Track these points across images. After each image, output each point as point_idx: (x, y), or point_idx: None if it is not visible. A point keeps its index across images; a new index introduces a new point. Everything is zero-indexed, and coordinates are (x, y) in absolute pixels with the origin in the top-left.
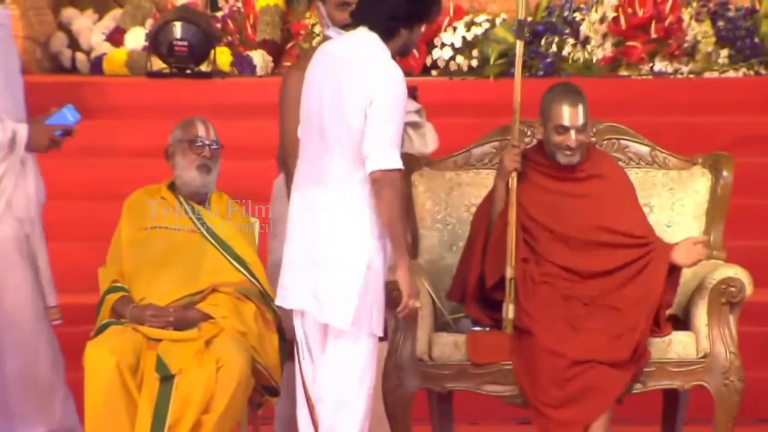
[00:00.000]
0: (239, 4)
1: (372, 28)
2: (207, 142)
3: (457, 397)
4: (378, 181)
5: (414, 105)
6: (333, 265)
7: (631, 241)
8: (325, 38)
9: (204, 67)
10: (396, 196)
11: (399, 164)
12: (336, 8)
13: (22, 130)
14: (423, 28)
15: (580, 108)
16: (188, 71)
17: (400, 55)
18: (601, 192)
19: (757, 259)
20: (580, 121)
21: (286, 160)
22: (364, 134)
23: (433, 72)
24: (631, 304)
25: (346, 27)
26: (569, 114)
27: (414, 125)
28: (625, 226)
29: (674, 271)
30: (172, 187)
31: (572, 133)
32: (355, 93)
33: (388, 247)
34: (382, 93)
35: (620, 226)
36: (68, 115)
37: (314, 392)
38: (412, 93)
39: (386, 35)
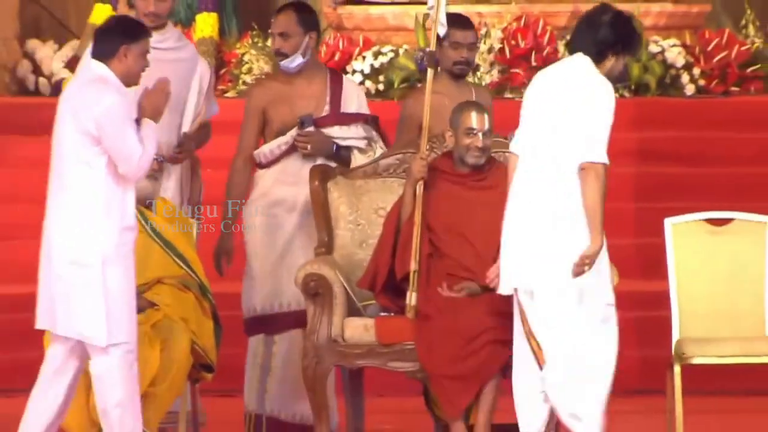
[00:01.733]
0: None
1: (585, 53)
2: (155, 156)
3: (366, 372)
4: (585, 169)
5: (361, 132)
6: None
7: None
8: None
9: None
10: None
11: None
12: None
13: None
14: (626, 59)
15: (486, 116)
16: None
17: (609, 80)
18: (496, 201)
19: (621, 255)
20: (486, 126)
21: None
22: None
23: None
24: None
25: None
26: (477, 119)
27: (361, 150)
28: None
29: None
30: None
31: (480, 135)
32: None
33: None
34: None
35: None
36: None
37: None
38: (375, 121)
39: (596, 59)
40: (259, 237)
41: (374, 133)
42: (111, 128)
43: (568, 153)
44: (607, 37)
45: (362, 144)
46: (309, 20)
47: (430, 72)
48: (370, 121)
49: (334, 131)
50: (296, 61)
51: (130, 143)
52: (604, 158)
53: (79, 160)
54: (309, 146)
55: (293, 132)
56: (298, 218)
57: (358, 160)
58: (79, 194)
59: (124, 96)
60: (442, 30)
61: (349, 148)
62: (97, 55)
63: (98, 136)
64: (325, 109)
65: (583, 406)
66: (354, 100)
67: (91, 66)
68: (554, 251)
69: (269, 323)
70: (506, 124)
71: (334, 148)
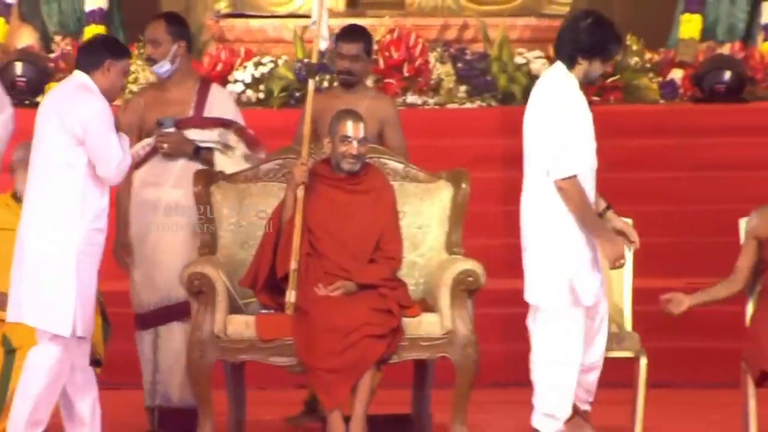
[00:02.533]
0: (69, 47)
1: (561, 59)
2: None
3: (248, 366)
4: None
5: (215, 136)
6: None
7: (383, 254)
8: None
9: (40, 99)
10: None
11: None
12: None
13: None
14: (601, 64)
15: (361, 125)
16: (27, 102)
17: (586, 82)
18: (371, 204)
19: (489, 255)
20: (361, 134)
21: None
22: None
23: None
24: (389, 291)
25: (147, 60)
26: (352, 127)
27: (223, 152)
28: (383, 240)
29: None
30: (14, 196)
31: (354, 143)
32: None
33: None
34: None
35: (379, 238)
36: None
37: None
38: (238, 127)
39: (569, 64)
40: (134, 236)
41: (232, 137)
42: (97, 131)
43: (539, 168)
44: (581, 42)
45: (219, 146)
46: (178, 30)
47: (310, 83)
48: (230, 126)
49: (192, 133)
50: (164, 67)
51: (113, 147)
52: (563, 172)
53: (60, 161)
54: (166, 146)
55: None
56: (163, 218)
57: (219, 162)
58: (57, 193)
59: (107, 104)
60: (323, 44)
61: (210, 150)
62: (81, 66)
63: (83, 138)
64: (190, 114)
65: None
66: (220, 106)
67: (75, 75)
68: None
69: (157, 317)
70: None
71: (194, 149)
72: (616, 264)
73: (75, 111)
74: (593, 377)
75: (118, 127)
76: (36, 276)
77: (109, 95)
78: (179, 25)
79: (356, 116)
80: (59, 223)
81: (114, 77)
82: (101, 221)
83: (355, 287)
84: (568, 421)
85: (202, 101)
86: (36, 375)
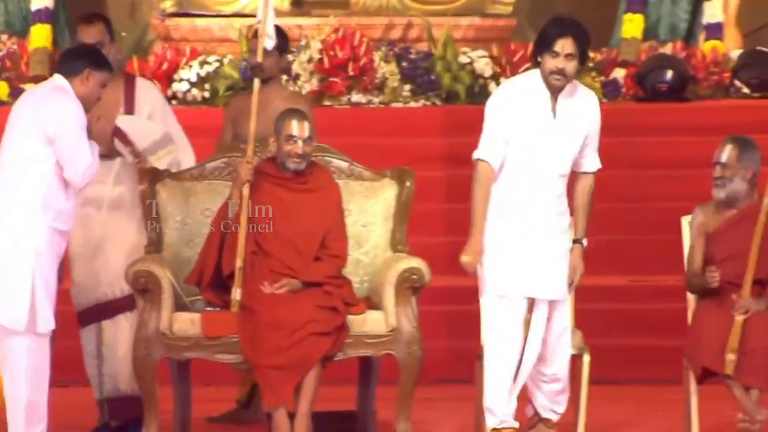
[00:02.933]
0: (15, 46)
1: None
2: None
3: (193, 363)
4: None
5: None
6: None
7: (328, 252)
8: None
9: None
10: None
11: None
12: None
13: None
14: (550, 58)
15: (306, 124)
16: None
17: (551, 81)
18: (316, 202)
19: (433, 253)
20: (306, 133)
21: None
22: None
23: (174, 102)
24: (334, 289)
25: None
26: (297, 127)
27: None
28: (328, 238)
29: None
30: None
31: (299, 142)
32: None
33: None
34: None
35: (324, 236)
36: None
37: None
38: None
39: (536, 64)
40: (75, 234)
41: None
42: (68, 133)
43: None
44: (535, 41)
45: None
46: (112, 30)
47: (256, 81)
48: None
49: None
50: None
51: (82, 151)
52: (476, 153)
53: (28, 157)
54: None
55: None
56: (106, 214)
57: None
58: (22, 188)
59: (82, 109)
60: (270, 42)
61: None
62: (61, 71)
63: (53, 138)
64: (121, 111)
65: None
66: (148, 99)
67: (55, 78)
68: None
69: (100, 312)
70: (326, 128)
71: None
72: (463, 264)
73: (50, 110)
74: (555, 388)
75: (90, 135)
76: None
77: (86, 103)
78: (110, 24)
79: (301, 115)
80: (21, 218)
81: (92, 86)
82: (64, 223)
83: (300, 285)
84: (532, 426)
85: (130, 97)
86: (16, 376)
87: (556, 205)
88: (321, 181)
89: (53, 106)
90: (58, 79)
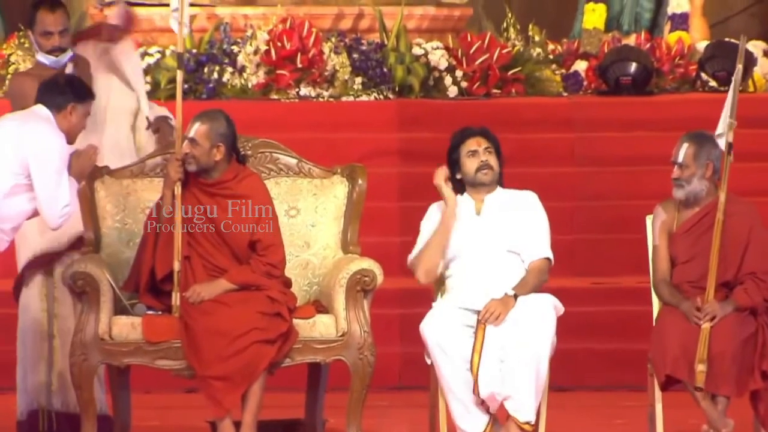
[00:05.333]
0: None
1: None
2: None
3: (133, 370)
4: None
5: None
6: None
7: (263, 260)
8: (38, 63)
9: None
10: None
11: None
12: (41, 37)
13: None
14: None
15: (194, 124)
16: None
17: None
18: (241, 209)
19: (386, 253)
20: (190, 133)
21: None
22: None
23: None
24: (279, 295)
25: (51, 52)
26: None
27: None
28: (259, 247)
29: None
30: None
31: (186, 142)
32: None
33: None
34: None
35: (255, 244)
36: None
37: None
38: None
39: None
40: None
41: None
42: (48, 169)
43: None
44: None
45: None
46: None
47: (179, 73)
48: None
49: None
50: (68, 55)
51: (62, 190)
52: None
53: (10, 171)
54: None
55: None
56: None
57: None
58: None
59: (65, 145)
60: (186, 31)
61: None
62: (44, 103)
63: (31, 170)
64: None
65: None
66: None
67: (38, 109)
68: None
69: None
70: (273, 123)
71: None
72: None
73: (30, 141)
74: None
75: (70, 170)
76: None
77: (69, 137)
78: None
79: (197, 117)
80: None
81: (75, 120)
82: (5, 239)
83: (223, 288)
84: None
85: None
86: None
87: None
88: (245, 190)
89: (34, 138)
90: (41, 110)
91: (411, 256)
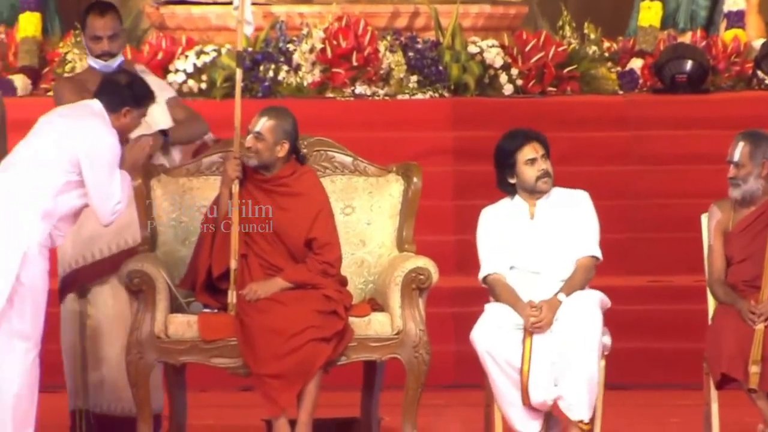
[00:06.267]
0: (2, 35)
1: None
2: None
3: (189, 368)
4: None
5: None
6: None
7: (319, 258)
8: (88, 67)
9: None
10: None
11: None
12: (91, 41)
13: None
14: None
15: (259, 120)
16: None
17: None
18: (298, 207)
19: (441, 252)
20: (256, 127)
21: None
22: None
23: None
24: (336, 293)
25: (101, 56)
26: (253, 121)
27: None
28: (315, 246)
29: None
30: None
31: (249, 137)
32: None
33: None
34: None
35: (311, 243)
36: None
37: None
38: None
39: None
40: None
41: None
42: (101, 166)
43: None
44: None
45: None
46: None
47: (238, 72)
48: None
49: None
50: (118, 60)
51: (114, 186)
52: None
53: (47, 165)
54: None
55: None
56: None
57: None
58: (31, 191)
59: (117, 140)
60: (249, 29)
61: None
62: (101, 101)
63: (82, 167)
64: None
65: None
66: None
67: (94, 104)
68: None
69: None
70: (328, 121)
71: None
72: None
73: (82, 137)
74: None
75: (122, 165)
76: None
77: (121, 135)
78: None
79: (263, 111)
80: (20, 218)
81: (129, 122)
82: (57, 239)
83: (279, 286)
84: None
85: None
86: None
87: None
88: (303, 188)
89: (86, 134)
90: (94, 104)
91: (482, 275)
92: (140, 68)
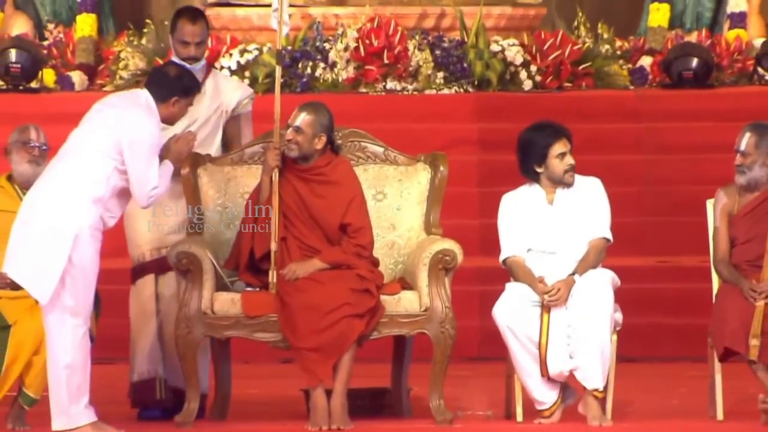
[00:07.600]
0: (61, 35)
1: None
2: (37, 144)
3: (233, 342)
4: None
5: None
6: None
7: (353, 241)
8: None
9: (34, 84)
10: None
11: None
12: (179, 44)
13: None
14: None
15: (300, 114)
16: (21, 87)
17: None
18: (333, 194)
19: (466, 235)
20: (296, 122)
21: None
22: None
23: None
24: (368, 273)
25: (186, 60)
26: (293, 115)
27: None
28: (350, 230)
29: None
30: (9, 178)
31: (289, 129)
32: None
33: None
34: None
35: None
36: None
37: None
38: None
39: None
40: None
41: None
42: (141, 152)
43: None
44: None
45: None
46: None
47: (278, 69)
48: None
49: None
50: (201, 63)
51: (152, 172)
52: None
53: (99, 153)
54: None
55: None
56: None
57: None
58: (83, 177)
59: (159, 129)
60: (286, 29)
61: None
62: (150, 90)
63: (125, 151)
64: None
65: None
66: (229, 89)
67: (143, 94)
68: None
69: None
70: (361, 114)
71: None
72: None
73: (127, 124)
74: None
75: (164, 155)
76: (35, 239)
77: (169, 122)
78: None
79: (302, 107)
80: (72, 201)
81: (177, 110)
82: (108, 220)
83: (315, 267)
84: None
85: (216, 91)
86: (57, 350)
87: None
88: (337, 176)
89: (131, 122)
90: (145, 96)
91: (502, 258)
92: (224, 74)
